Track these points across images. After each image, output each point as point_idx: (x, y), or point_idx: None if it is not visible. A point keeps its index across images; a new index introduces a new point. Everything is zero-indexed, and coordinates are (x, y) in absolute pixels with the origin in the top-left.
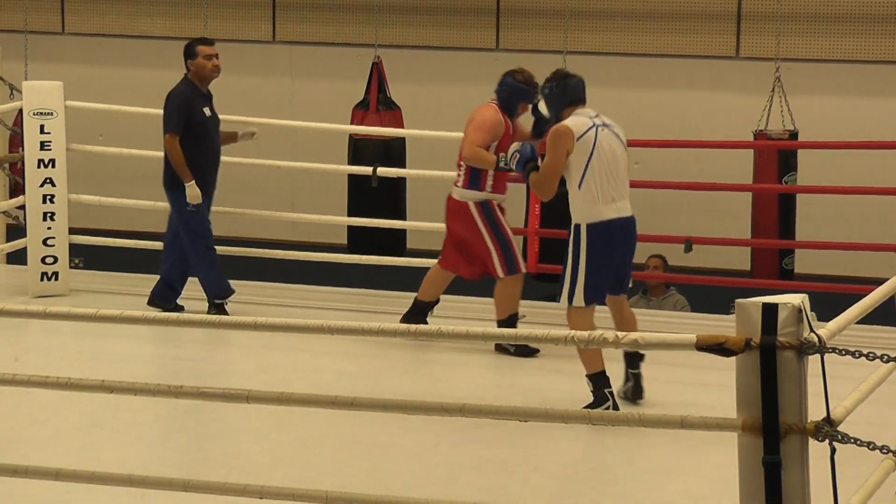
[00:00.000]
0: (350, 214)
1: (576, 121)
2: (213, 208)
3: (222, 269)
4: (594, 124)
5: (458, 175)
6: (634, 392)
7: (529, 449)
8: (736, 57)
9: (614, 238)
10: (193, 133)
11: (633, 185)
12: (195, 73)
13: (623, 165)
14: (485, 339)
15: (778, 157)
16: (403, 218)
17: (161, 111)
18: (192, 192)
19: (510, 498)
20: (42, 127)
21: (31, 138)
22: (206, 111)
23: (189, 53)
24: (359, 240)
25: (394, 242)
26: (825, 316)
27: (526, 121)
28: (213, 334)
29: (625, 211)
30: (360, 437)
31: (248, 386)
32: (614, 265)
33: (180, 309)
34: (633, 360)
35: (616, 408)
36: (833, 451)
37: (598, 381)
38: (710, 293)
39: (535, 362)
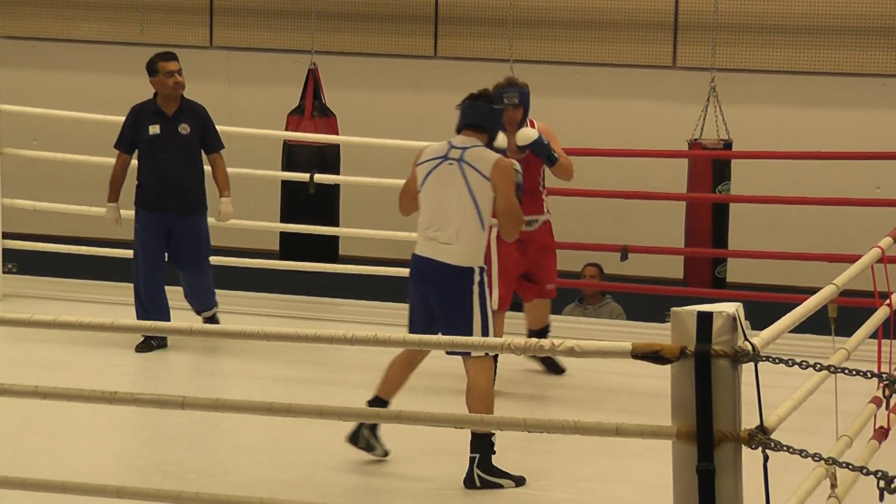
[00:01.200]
0: (283, 221)
1: (433, 147)
2: None
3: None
4: (444, 157)
5: None
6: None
7: (465, 456)
8: (673, 66)
9: (414, 274)
10: (140, 151)
11: (570, 192)
12: (158, 91)
13: (457, 207)
14: (421, 347)
15: (712, 166)
16: (336, 225)
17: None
18: (106, 214)
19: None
20: None
21: None
22: (154, 129)
23: (149, 70)
24: (292, 246)
25: (327, 249)
26: (756, 324)
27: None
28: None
29: (437, 254)
30: (296, 443)
31: (183, 392)
32: (421, 304)
33: None
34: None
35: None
36: (766, 458)
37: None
38: (644, 301)
39: None
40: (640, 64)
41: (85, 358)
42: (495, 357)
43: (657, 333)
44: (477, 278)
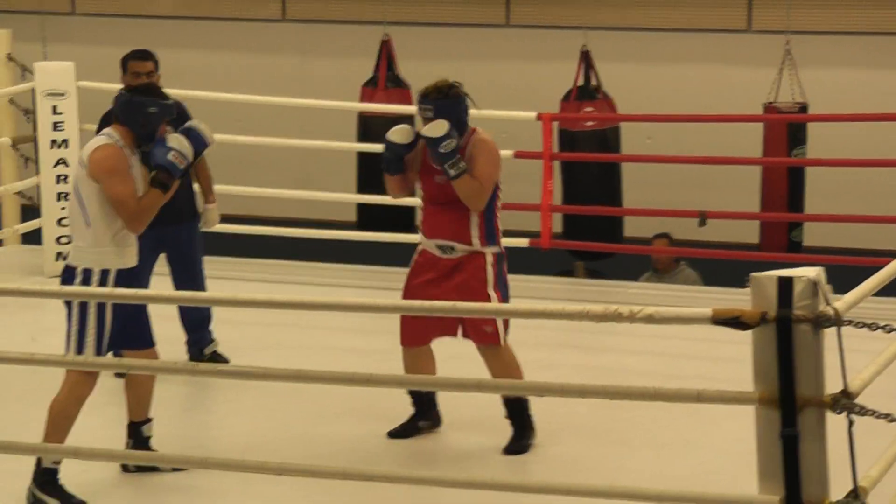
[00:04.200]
0: (360, 192)
1: None
2: (220, 187)
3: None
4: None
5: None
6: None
7: (547, 423)
8: (748, 30)
9: None
10: None
11: (645, 159)
12: None
13: (70, 205)
14: (498, 315)
15: (787, 129)
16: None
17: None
18: None
19: (528, 472)
20: (55, 107)
21: (43, 119)
22: None
23: (122, 68)
24: (369, 217)
25: (403, 219)
26: (834, 288)
27: None
28: (224, 312)
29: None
30: (374, 413)
31: (259, 364)
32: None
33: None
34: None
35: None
36: (851, 423)
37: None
38: (719, 266)
39: (549, 336)
40: (715, 28)
41: (164, 331)
42: None
43: (736, 298)
44: (79, 279)
